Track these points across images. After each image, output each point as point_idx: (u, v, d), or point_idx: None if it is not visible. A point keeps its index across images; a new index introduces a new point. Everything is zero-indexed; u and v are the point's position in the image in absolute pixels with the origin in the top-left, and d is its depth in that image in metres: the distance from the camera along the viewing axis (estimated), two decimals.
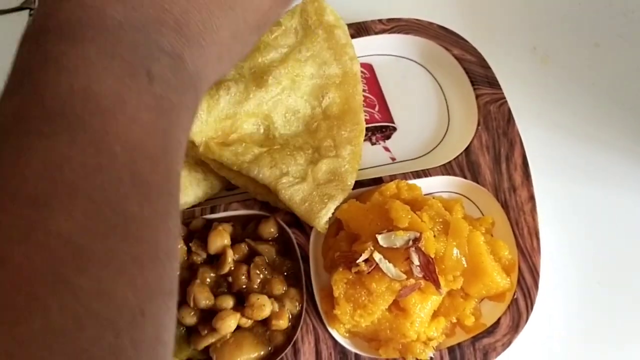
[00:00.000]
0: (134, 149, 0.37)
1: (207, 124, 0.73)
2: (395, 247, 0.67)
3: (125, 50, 0.39)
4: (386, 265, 0.66)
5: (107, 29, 0.39)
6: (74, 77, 0.37)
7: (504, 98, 0.79)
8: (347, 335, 0.70)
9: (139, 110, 0.38)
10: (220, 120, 0.74)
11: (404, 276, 0.66)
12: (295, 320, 0.71)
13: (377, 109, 0.84)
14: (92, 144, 0.36)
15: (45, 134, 0.35)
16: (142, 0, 0.40)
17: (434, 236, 0.68)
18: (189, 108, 0.44)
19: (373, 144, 0.82)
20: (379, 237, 0.67)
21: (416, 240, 0.66)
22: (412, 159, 0.80)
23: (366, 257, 0.66)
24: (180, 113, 0.43)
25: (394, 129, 0.82)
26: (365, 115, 0.82)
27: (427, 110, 0.83)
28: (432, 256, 0.66)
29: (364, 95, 0.84)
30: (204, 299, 0.69)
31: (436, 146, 0.80)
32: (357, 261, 0.66)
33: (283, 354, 0.69)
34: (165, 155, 0.40)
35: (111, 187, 0.35)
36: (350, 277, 0.67)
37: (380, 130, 0.83)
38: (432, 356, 0.66)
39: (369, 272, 0.66)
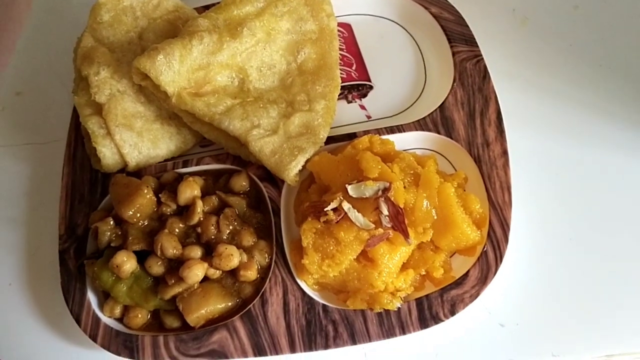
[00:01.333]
0: None
1: (179, 75, 0.72)
2: (364, 197, 0.66)
3: None
4: (355, 215, 0.65)
5: None
6: None
7: (481, 55, 0.78)
8: (316, 287, 0.70)
9: None
10: (193, 70, 0.74)
11: (373, 225, 0.65)
12: (265, 272, 0.70)
13: (354, 67, 0.83)
14: None
15: None
16: None
17: (404, 187, 0.67)
18: None
19: (349, 102, 0.81)
20: (349, 188, 0.67)
21: (385, 190, 0.66)
22: (387, 117, 0.79)
23: (335, 205, 0.66)
24: None
25: (371, 87, 0.82)
26: (342, 74, 0.82)
27: (404, 69, 0.82)
28: (402, 207, 0.66)
29: (341, 55, 0.83)
30: (172, 248, 0.68)
31: (412, 104, 0.79)
32: (326, 209, 0.65)
33: (251, 305, 0.68)
34: None
35: None
36: (319, 226, 0.67)
37: (357, 88, 0.82)
38: (400, 306, 0.66)
39: (337, 222, 0.66)
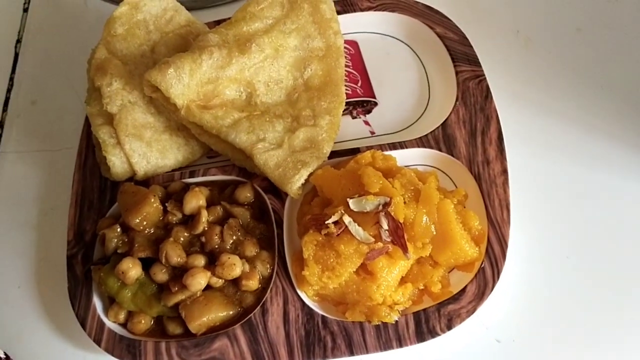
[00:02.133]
0: None
1: (189, 88, 0.75)
2: (365, 211, 0.68)
3: None
4: (355, 228, 0.67)
5: None
6: None
7: (483, 75, 0.80)
8: (316, 298, 0.71)
9: None
10: (202, 84, 0.76)
11: (372, 239, 0.66)
12: (266, 282, 0.72)
13: (359, 84, 0.85)
14: None
15: None
16: None
17: (405, 203, 0.69)
18: None
19: (354, 117, 0.83)
20: (350, 201, 0.68)
21: (386, 205, 0.67)
22: (391, 133, 0.81)
23: (336, 219, 0.67)
24: None
25: (375, 103, 0.84)
26: (348, 90, 0.84)
27: (408, 87, 0.84)
28: (401, 221, 0.67)
29: (347, 71, 0.86)
30: (176, 256, 0.70)
31: (415, 121, 0.81)
32: (327, 222, 0.67)
33: (252, 314, 0.69)
34: None
35: None
36: (320, 239, 0.68)
37: (362, 104, 0.84)
38: (397, 320, 0.67)
39: (338, 234, 0.67)
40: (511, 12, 0.89)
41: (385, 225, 0.67)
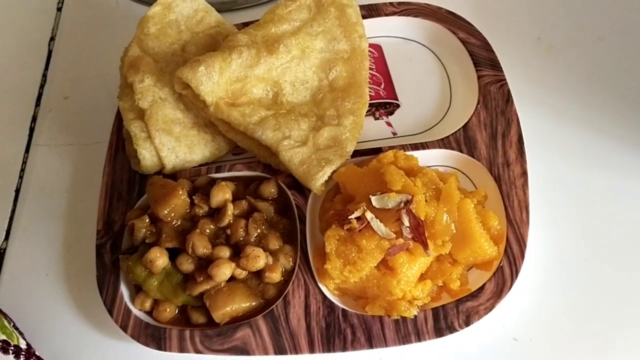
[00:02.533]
0: None
1: (218, 85, 0.77)
2: (387, 208, 0.69)
3: None
4: (377, 224, 0.68)
5: None
6: None
7: (505, 80, 0.81)
8: (337, 292, 0.73)
9: None
10: (231, 82, 0.78)
11: (394, 235, 0.68)
12: (288, 275, 0.74)
13: (382, 86, 0.87)
14: None
15: None
16: None
17: (426, 201, 0.70)
18: None
19: (376, 118, 0.85)
20: (373, 198, 0.70)
21: (408, 202, 0.69)
22: (412, 134, 0.83)
23: (358, 214, 0.69)
24: None
25: (398, 105, 0.86)
26: (371, 92, 0.86)
27: (430, 90, 0.86)
28: (422, 219, 0.69)
29: (371, 74, 0.88)
30: (202, 247, 0.72)
31: (437, 124, 0.83)
32: (350, 217, 0.69)
33: (274, 306, 0.71)
34: None
35: None
36: (342, 233, 0.70)
37: (384, 106, 0.86)
38: (416, 315, 0.68)
39: (360, 230, 0.69)
40: (533, 19, 0.91)
41: (406, 222, 0.68)
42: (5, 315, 0.75)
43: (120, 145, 0.85)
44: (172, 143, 0.79)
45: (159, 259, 0.72)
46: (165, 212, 0.74)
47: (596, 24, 0.89)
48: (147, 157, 0.78)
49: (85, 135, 0.92)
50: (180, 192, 0.75)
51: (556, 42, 0.88)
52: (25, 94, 0.98)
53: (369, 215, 0.69)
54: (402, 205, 0.69)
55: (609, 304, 0.70)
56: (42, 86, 0.99)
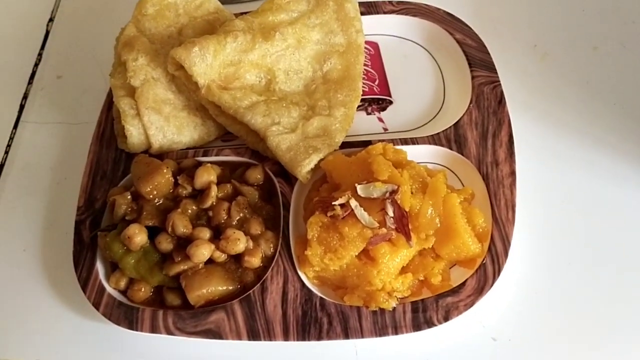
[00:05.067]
0: None
1: (212, 68, 0.77)
2: (372, 197, 0.68)
3: None
4: (361, 212, 0.68)
5: None
6: None
7: (498, 82, 0.81)
8: (316, 282, 0.71)
9: None
10: (225, 65, 0.78)
11: (377, 224, 0.67)
12: (268, 262, 0.72)
13: (376, 82, 0.87)
14: None
15: None
16: None
17: (412, 193, 0.69)
18: None
19: (368, 113, 0.85)
20: (358, 187, 0.69)
21: (393, 192, 0.68)
22: (403, 131, 0.82)
23: (343, 201, 0.68)
24: None
25: (390, 102, 0.85)
26: (365, 87, 0.86)
27: (424, 89, 0.86)
28: (407, 210, 0.68)
29: (366, 70, 0.88)
30: (182, 227, 0.71)
31: (428, 121, 0.82)
32: (333, 203, 0.68)
33: (251, 291, 0.70)
34: None
35: None
36: (325, 220, 0.69)
37: (377, 102, 0.85)
38: (395, 307, 0.67)
39: (343, 217, 0.68)
40: (530, 26, 0.91)
41: (390, 213, 0.67)
42: None
43: (109, 124, 0.85)
44: (160, 122, 0.78)
45: (138, 235, 0.70)
46: (148, 189, 0.73)
47: (591, 34, 0.89)
48: (134, 134, 0.77)
49: (75, 114, 0.92)
50: (165, 171, 0.74)
51: (552, 50, 0.88)
52: (19, 71, 0.98)
53: (353, 202, 0.68)
54: (387, 195, 0.68)
55: (590, 309, 0.69)
56: (36, 64, 0.98)
